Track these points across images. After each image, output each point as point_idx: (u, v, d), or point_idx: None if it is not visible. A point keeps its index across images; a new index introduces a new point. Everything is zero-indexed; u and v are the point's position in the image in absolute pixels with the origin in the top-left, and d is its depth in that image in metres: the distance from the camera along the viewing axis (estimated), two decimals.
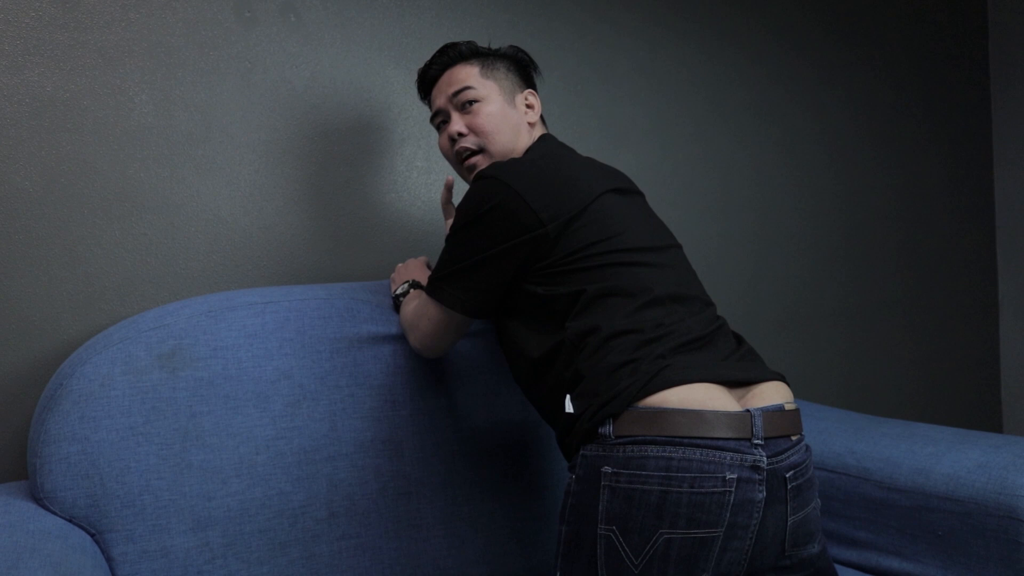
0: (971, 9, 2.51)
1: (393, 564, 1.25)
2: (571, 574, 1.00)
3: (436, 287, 1.16)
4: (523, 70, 1.32)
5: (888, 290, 2.31)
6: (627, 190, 1.20)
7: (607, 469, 0.96)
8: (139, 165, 1.37)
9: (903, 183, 2.34)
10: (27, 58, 1.29)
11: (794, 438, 1.03)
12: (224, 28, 1.44)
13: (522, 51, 1.33)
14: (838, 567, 1.36)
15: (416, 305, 1.23)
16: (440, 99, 1.28)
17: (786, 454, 1.00)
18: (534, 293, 1.11)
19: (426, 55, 1.63)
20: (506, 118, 1.25)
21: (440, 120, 1.30)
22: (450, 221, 1.36)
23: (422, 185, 1.62)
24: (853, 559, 1.37)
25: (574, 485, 1.00)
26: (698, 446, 0.94)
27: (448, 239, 1.16)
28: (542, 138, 1.27)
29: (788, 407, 1.04)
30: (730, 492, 0.94)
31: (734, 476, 0.94)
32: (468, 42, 1.30)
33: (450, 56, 1.28)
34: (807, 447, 1.07)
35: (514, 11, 1.73)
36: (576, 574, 0.99)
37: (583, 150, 1.81)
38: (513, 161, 1.14)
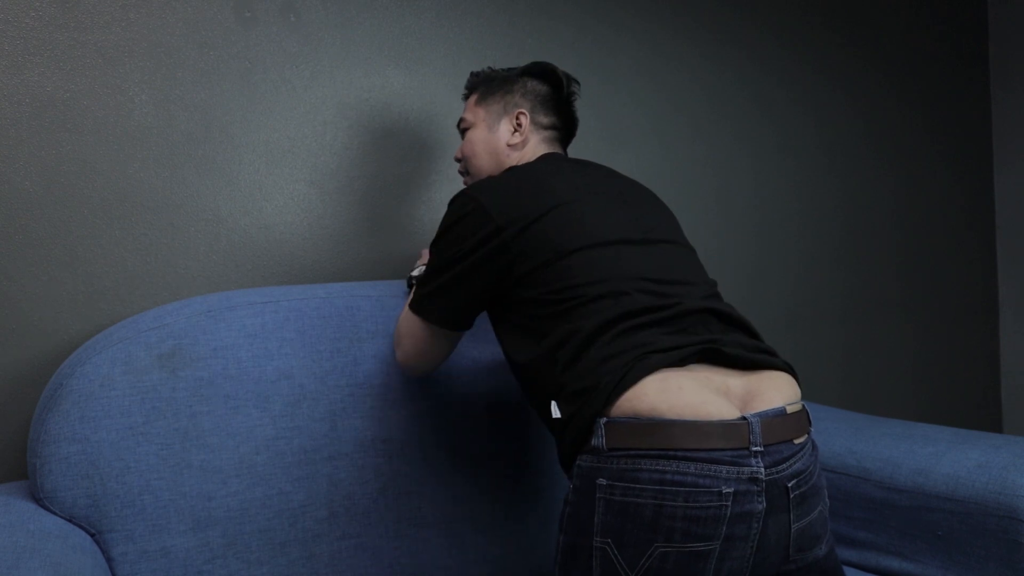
0: (971, 9, 2.51)
1: (393, 564, 1.25)
2: None
3: (419, 302, 1.19)
4: (537, 89, 1.32)
5: (888, 290, 2.31)
6: (618, 198, 1.19)
7: (602, 481, 0.95)
8: (139, 165, 1.37)
9: (903, 183, 2.34)
10: (27, 58, 1.29)
11: (797, 441, 0.99)
12: (224, 28, 1.44)
13: (540, 66, 1.33)
14: None
15: (402, 318, 1.24)
16: None
17: (788, 462, 0.97)
18: (518, 319, 1.13)
19: (426, 55, 1.63)
20: (485, 142, 1.32)
21: None
22: None
23: (422, 185, 1.62)
24: (853, 559, 1.37)
25: (571, 495, 0.99)
26: (692, 459, 0.92)
27: (429, 254, 1.20)
28: (540, 158, 1.26)
29: (791, 409, 1.00)
30: (726, 506, 0.92)
31: (731, 490, 0.92)
32: (482, 70, 1.38)
33: (465, 90, 1.39)
34: (813, 447, 1.04)
35: (513, 11, 1.73)
36: None
37: (583, 150, 1.81)
38: (487, 178, 1.21)
